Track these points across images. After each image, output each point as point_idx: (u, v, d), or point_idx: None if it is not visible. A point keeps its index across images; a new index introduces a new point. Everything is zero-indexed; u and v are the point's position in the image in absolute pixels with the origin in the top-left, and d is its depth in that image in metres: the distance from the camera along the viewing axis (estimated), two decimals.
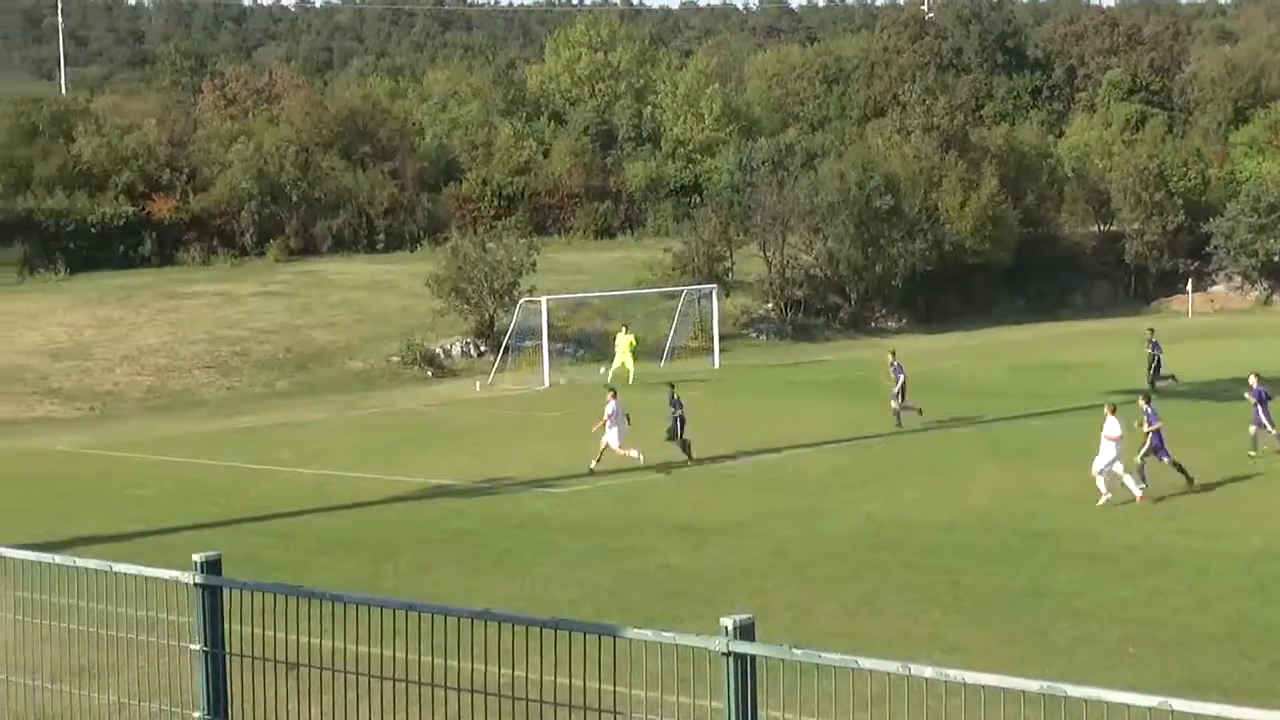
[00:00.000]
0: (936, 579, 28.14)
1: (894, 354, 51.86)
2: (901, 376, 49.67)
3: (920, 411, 49.35)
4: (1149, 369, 57.95)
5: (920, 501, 36.78)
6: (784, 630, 23.76)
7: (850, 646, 22.65)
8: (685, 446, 42.89)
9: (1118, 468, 36.42)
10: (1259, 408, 42.99)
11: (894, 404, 49.78)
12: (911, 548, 31.60)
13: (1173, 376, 57.79)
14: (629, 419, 42.28)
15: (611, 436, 41.98)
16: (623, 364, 63.36)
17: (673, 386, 43.83)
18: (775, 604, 26.89)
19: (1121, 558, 30.33)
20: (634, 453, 41.90)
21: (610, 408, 42.09)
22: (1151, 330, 60.74)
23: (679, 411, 43.04)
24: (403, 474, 42.23)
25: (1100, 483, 36.26)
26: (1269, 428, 42.82)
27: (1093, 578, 28.61)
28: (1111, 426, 36.56)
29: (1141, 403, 38.70)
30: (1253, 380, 43.20)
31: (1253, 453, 42.29)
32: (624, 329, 65.78)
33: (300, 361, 67.78)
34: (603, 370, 63.42)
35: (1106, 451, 36.39)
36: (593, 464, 41.51)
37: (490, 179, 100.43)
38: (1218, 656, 23.50)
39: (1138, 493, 36.32)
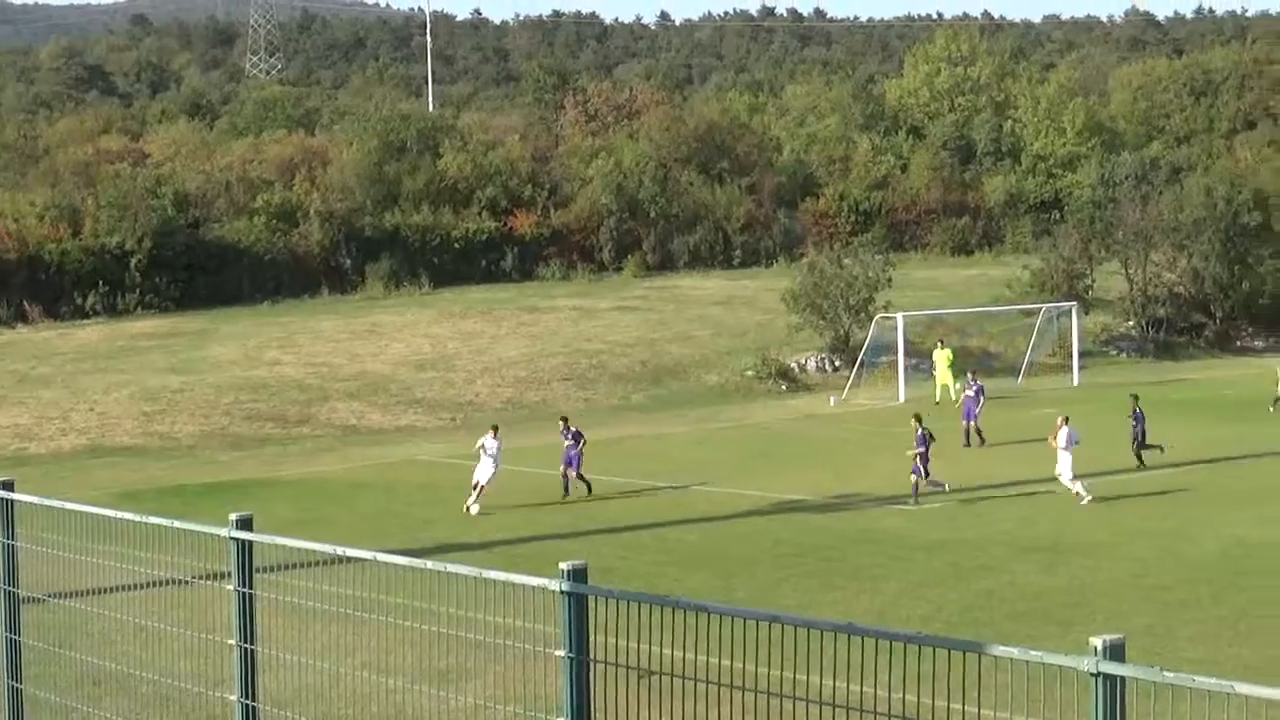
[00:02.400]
0: None
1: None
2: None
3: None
4: None
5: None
6: (1142, 653, 23.12)
7: (1212, 672, 21.88)
8: None
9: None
10: None
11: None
12: (1276, 572, 30.64)
13: None
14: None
15: (482, 471, 40.20)
16: (944, 382, 62.82)
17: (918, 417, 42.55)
18: (1133, 626, 26.22)
19: None
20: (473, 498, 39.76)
21: (491, 445, 40.42)
22: None
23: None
24: (756, 488, 42.29)
25: (1078, 486, 38.99)
26: None
27: None
28: (1064, 437, 39.36)
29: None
30: None
31: None
32: (939, 344, 65.16)
33: (655, 375, 68.36)
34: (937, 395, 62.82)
35: (1064, 460, 39.37)
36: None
37: (847, 194, 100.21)
38: None
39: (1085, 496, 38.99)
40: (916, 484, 40.09)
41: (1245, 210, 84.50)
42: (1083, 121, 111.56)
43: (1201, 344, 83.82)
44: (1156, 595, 28.87)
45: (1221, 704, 8.19)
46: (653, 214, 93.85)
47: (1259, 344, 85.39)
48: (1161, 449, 45.27)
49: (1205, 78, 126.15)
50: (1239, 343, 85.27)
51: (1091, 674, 8.25)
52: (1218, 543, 33.63)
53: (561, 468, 42.06)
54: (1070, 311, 72.53)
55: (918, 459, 40.23)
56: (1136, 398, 46.48)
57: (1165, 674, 8.23)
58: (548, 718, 10.68)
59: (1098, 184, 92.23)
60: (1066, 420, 40.41)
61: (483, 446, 40.72)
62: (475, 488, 39.94)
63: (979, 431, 50.61)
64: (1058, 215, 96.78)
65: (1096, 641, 8.28)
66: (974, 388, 51.95)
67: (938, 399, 62.03)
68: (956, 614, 27.59)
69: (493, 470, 40.05)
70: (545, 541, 34.86)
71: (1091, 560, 32.34)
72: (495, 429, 41.87)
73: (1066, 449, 39.74)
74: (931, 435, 40.81)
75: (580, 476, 41.93)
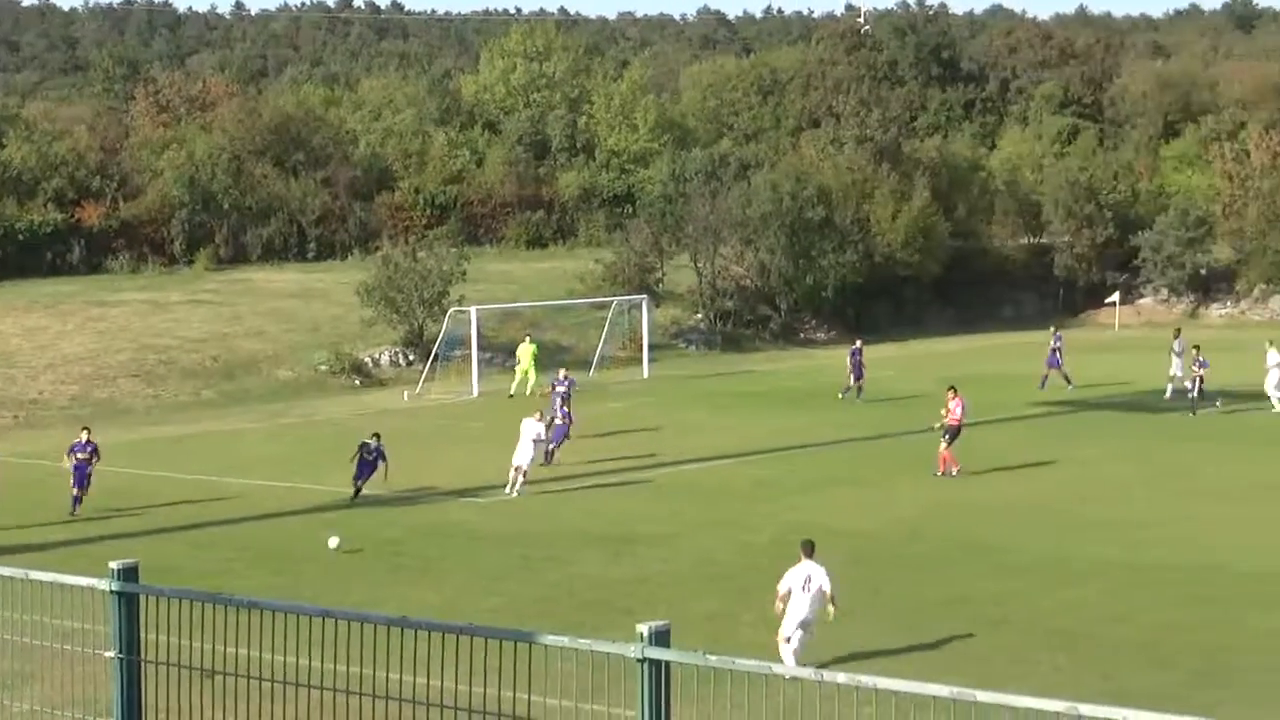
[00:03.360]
0: (859, 589, 28.24)
1: None
2: None
3: None
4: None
5: (845, 512, 36.88)
6: (705, 640, 23.73)
7: (770, 656, 22.70)
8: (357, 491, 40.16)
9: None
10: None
11: None
12: (835, 558, 31.56)
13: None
14: None
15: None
16: (525, 372, 63.49)
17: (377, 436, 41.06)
18: (696, 613, 27.00)
19: (1045, 569, 30.55)
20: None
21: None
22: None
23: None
24: (328, 484, 42.01)
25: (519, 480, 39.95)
26: None
27: (1016, 588, 28.83)
28: (529, 428, 40.59)
29: None
30: None
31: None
32: (526, 338, 65.92)
33: (228, 370, 67.38)
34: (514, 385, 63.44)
35: (526, 449, 40.27)
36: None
37: (423, 188, 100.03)
38: (1137, 666, 23.70)
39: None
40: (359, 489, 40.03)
41: (810, 206, 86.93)
42: (655, 118, 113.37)
43: (767, 336, 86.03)
44: (719, 583, 29.62)
45: (760, 685, 8.50)
46: (226, 206, 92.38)
47: (822, 336, 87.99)
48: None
49: (772, 77, 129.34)
50: (803, 335, 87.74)
51: (638, 660, 8.49)
52: (778, 530, 34.55)
53: (75, 489, 39.12)
54: (641, 304, 73.79)
55: (357, 469, 39.86)
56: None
57: (709, 658, 8.52)
58: None
59: (669, 179, 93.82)
60: (541, 417, 41.72)
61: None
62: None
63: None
64: (630, 209, 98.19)
65: (643, 628, 8.53)
66: (565, 383, 52.10)
67: (512, 392, 62.41)
68: (525, 605, 27.89)
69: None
70: (111, 542, 34.17)
71: (659, 550, 33.01)
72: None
73: (537, 442, 40.82)
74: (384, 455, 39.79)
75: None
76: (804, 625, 24.53)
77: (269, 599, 10.53)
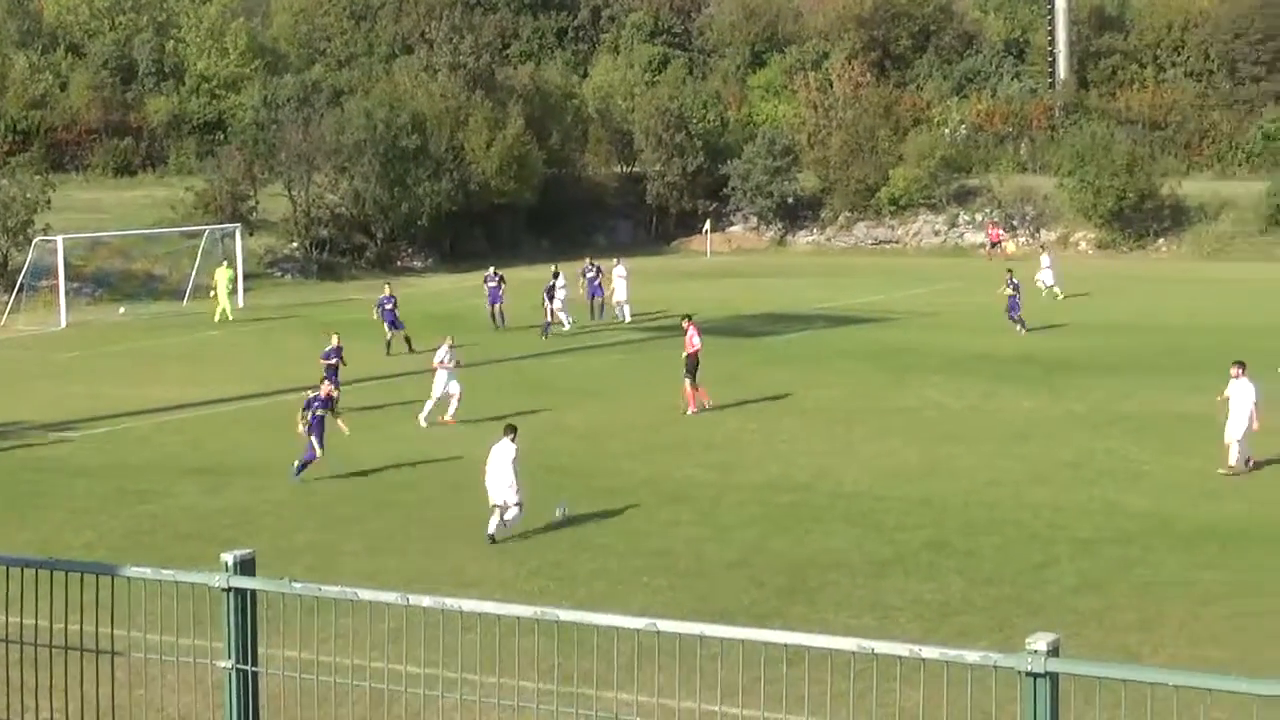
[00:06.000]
0: (458, 515, 28.43)
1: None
2: None
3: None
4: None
5: (443, 440, 36.98)
6: (306, 570, 23.68)
7: (370, 584, 22.69)
8: None
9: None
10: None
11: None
12: (433, 486, 31.87)
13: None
14: None
15: None
16: (228, 296, 63.61)
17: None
18: (298, 543, 26.90)
19: (639, 491, 31.08)
20: None
21: None
22: None
23: None
24: None
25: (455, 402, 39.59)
26: None
27: (611, 511, 29.29)
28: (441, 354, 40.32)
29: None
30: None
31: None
32: (224, 263, 65.63)
33: None
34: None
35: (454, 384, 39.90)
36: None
37: (4, 113, 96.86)
38: (730, 584, 24.31)
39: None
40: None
41: (404, 133, 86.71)
42: (246, 43, 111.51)
43: (364, 264, 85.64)
44: (322, 512, 29.51)
45: (349, 611, 8.51)
46: None
47: (418, 264, 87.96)
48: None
49: (365, 2, 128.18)
50: (400, 263, 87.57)
51: (223, 589, 8.44)
52: (376, 459, 34.56)
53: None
54: (235, 233, 72.84)
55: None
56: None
57: (293, 584, 8.49)
58: None
59: (260, 106, 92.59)
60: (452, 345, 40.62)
61: None
62: None
63: (408, 340, 52.36)
64: (222, 136, 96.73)
65: (228, 557, 8.48)
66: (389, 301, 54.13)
67: (216, 319, 61.93)
68: (120, 539, 27.39)
69: None
70: None
71: (258, 480, 32.66)
72: None
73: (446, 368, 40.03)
74: None
75: None
76: (506, 497, 27.21)
77: None
